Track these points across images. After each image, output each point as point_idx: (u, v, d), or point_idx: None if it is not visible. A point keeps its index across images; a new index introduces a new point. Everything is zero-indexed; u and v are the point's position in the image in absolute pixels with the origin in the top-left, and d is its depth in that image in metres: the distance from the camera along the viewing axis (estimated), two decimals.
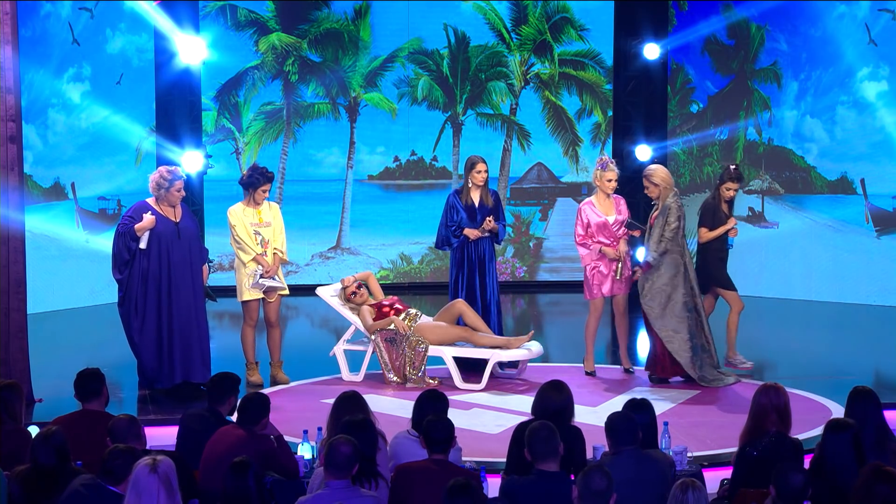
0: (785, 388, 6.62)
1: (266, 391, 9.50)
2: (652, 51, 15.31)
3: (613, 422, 6.20)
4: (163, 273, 9.74)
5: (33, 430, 6.64)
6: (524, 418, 6.93)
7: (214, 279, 13.68)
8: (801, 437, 7.32)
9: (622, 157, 15.21)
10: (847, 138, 14.66)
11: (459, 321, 10.39)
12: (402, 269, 15.91)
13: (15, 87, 9.26)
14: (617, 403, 8.64)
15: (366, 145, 15.84)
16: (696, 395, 9.90)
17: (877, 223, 14.49)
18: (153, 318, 9.75)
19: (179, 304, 9.79)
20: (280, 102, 15.59)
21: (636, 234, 10.32)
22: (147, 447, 6.42)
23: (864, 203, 14.52)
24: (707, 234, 10.52)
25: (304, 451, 7.14)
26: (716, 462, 7.85)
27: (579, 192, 16.19)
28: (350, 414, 6.30)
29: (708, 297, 10.61)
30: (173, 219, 9.84)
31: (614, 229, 10.39)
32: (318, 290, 10.83)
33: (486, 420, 9.09)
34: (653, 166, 10.44)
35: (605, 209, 10.45)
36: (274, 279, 10.22)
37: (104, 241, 13.91)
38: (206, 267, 10.13)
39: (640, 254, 10.37)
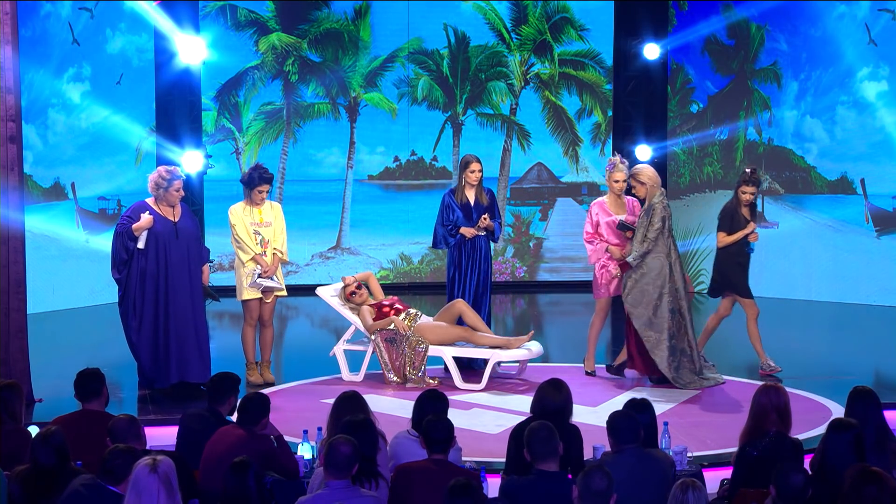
0: (785, 388, 6.63)
1: (266, 391, 9.50)
2: (652, 51, 15.31)
3: (615, 420, 6.21)
4: (160, 273, 9.74)
5: (33, 430, 6.64)
6: (524, 418, 6.92)
7: (214, 279, 13.67)
8: (801, 437, 7.32)
9: (622, 157, 15.19)
10: (847, 138, 14.66)
11: (459, 321, 10.39)
12: (402, 269, 15.91)
13: (15, 87, 9.26)
14: (617, 403, 8.63)
15: (366, 145, 15.84)
16: (696, 395, 9.90)
17: (877, 223, 14.49)
18: (150, 317, 9.74)
19: (177, 303, 9.78)
20: (280, 102, 15.59)
21: (629, 235, 10.32)
22: (147, 447, 6.42)
23: (864, 203, 14.52)
24: (725, 239, 10.47)
25: (304, 451, 7.14)
26: (716, 462, 7.85)
27: (579, 192, 16.20)
28: (350, 414, 6.30)
29: (724, 301, 10.59)
30: (172, 219, 9.84)
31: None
32: (318, 290, 10.83)
33: (486, 420, 9.09)
34: (640, 165, 10.47)
35: (616, 209, 10.46)
36: (272, 279, 10.22)
37: (104, 241, 13.90)
38: (206, 267, 10.13)
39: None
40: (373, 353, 10.33)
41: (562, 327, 14.41)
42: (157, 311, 9.75)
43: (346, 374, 10.42)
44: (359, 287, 10.56)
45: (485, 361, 10.25)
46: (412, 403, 6.80)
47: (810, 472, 5.78)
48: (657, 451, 6.39)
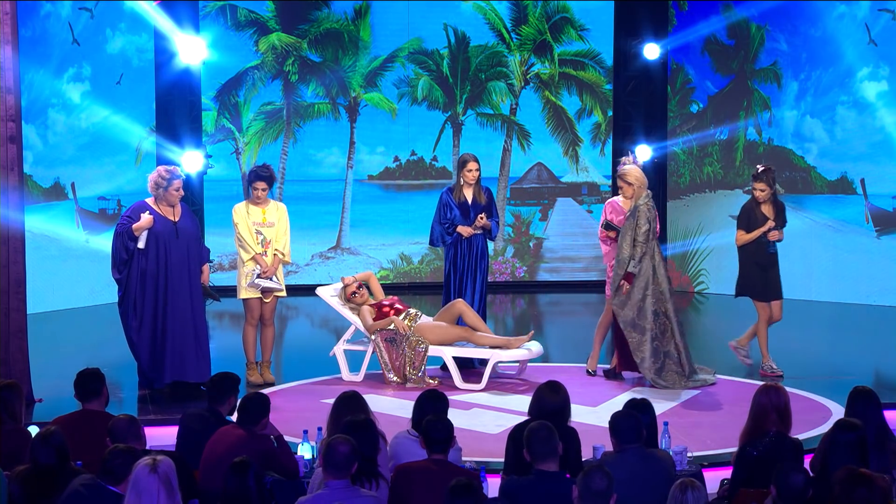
0: (785, 389, 6.63)
1: (266, 391, 9.50)
2: (652, 51, 15.31)
3: (617, 420, 6.21)
4: (160, 272, 9.74)
5: (33, 430, 6.64)
6: (524, 418, 6.92)
7: (214, 279, 13.67)
8: (801, 437, 7.32)
9: (622, 157, 15.18)
10: (847, 138, 14.66)
11: (459, 321, 10.39)
12: (402, 269, 15.91)
13: (15, 87, 9.26)
14: (617, 403, 8.64)
15: (366, 145, 15.84)
16: (696, 395, 9.90)
17: (877, 223, 14.49)
18: (150, 317, 9.74)
19: (177, 303, 9.78)
20: (280, 102, 15.59)
21: (612, 235, 10.33)
22: (147, 447, 6.42)
23: (864, 203, 14.52)
24: (742, 237, 10.43)
25: (304, 451, 7.14)
26: (716, 462, 7.85)
27: (579, 192, 16.20)
28: (350, 414, 6.30)
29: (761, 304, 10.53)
30: (172, 218, 9.84)
31: None
32: (318, 290, 10.83)
33: (486, 420, 9.09)
34: (627, 166, 10.46)
35: (628, 207, 10.49)
36: (272, 280, 10.22)
37: (104, 241, 13.90)
38: (206, 266, 10.12)
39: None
40: (373, 353, 10.33)
41: (562, 327, 14.41)
42: (157, 311, 9.75)
43: (346, 374, 10.42)
44: (359, 287, 10.56)
45: (483, 361, 10.26)
46: (412, 403, 6.80)
47: (811, 473, 5.78)
48: (659, 452, 6.39)
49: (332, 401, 6.73)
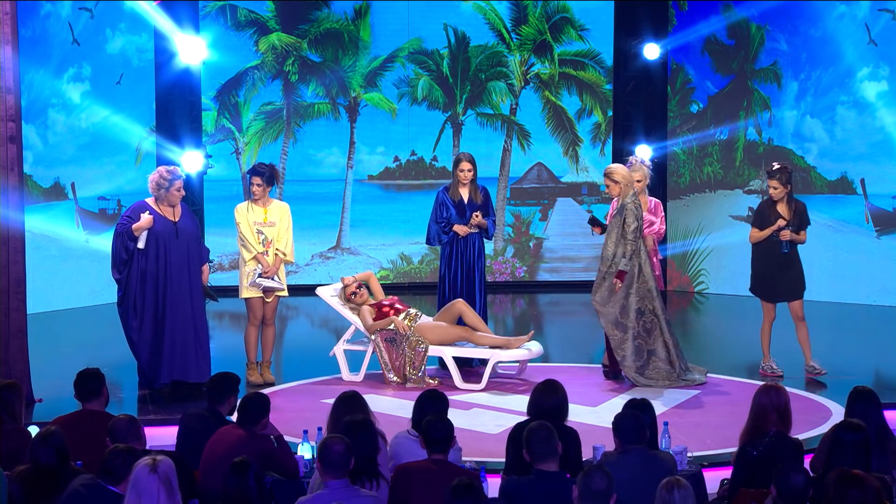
0: (785, 388, 6.62)
1: (266, 391, 9.50)
2: (652, 51, 15.31)
3: (621, 421, 6.20)
4: (160, 272, 9.74)
5: (33, 430, 6.64)
6: (524, 418, 6.92)
7: (213, 279, 13.68)
8: (801, 437, 7.32)
9: (622, 157, 15.19)
10: (847, 138, 14.66)
11: (459, 321, 10.39)
12: (402, 269, 15.91)
13: (15, 87, 9.26)
14: (617, 403, 8.64)
15: (366, 145, 15.84)
16: (696, 395, 9.90)
17: (877, 223, 14.49)
18: (150, 317, 9.75)
19: (176, 303, 9.78)
20: (280, 102, 15.59)
21: (597, 231, 10.37)
22: (147, 447, 6.42)
23: (864, 203, 14.52)
24: (754, 235, 10.39)
25: (304, 451, 7.13)
26: (716, 462, 7.85)
27: (579, 192, 16.20)
28: (350, 414, 6.30)
29: (791, 305, 10.42)
30: (172, 218, 9.83)
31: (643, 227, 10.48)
32: (318, 290, 10.83)
33: (486, 420, 9.09)
34: (613, 165, 10.51)
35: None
36: (273, 279, 10.22)
37: (104, 241, 13.89)
38: (206, 266, 10.13)
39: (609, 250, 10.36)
40: (373, 353, 10.33)
41: (562, 327, 14.41)
42: (157, 311, 9.75)
43: (346, 374, 10.42)
44: (359, 287, 10.56)
45: (483, 361, 10.26)
46: (412, 403, 6.80)
47: (811, 473, 5.77)
48: (661, 453, 6.38)
49: (332, 401, 6.73)
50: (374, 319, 10.34)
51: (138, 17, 14.22)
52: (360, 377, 10.33)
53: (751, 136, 15.39)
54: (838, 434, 6.02)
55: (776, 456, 6.27)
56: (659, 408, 7.97)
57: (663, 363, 10.12)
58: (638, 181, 10.56)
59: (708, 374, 10.48)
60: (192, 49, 14.03)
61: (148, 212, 9.73)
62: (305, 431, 7.32)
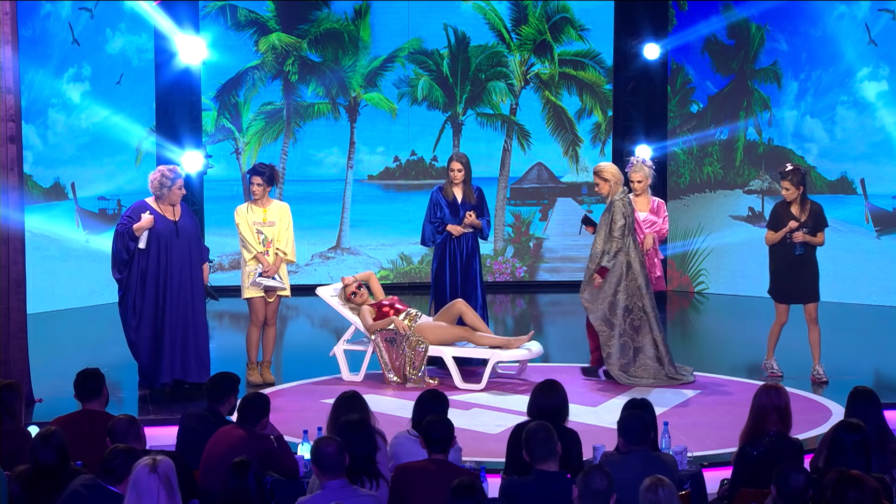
0: (785, 389, 6.62)
1: (266, 391, 9.50)
2: (652, 51, 15.31)
3: (626, 421, 6.19)
4: (161, 272, 9.74)
5: (33, 430, 6.64)
6: (524, 418, 6.92)
7: (213, 279, 13.68)
8: (801, 437, 7.32)
9: (622, 157, 15.20)
10: (847, 138, 14.65)
11: (459, 321, 10.39)
12: (402, 269, 15.91)
13: (15, 87, 9.26)
14: (617, 403, 8.64)
15: (366, 145, 15.84)
16: (697, 395, 9.90)
17: (877, 223, 14.49)
18: (150, 316, 9.75)
19: (178, 302, 9.79)
20: (280, 102, 15.59)
21: (590, 230, 10.39)
22: (147, 447, 6.42)
23: (864, 203, 14.52)
24: (768, 237, 10.31)
25: (304, 451, 7.13)
26: (716, 462, 7.85)
27: (579, 192, 16.20)
28: (350, 414, 6.30)
29: (806, 308, 10.36)
30: (172, 218, 9.84)
31: (645, 227, 10.46)
32: (318, 290, 10.83)
33: (486, 420, 9.08)
34: (603, 163, 10.57)
35: (640, 206, 10.54)
36: (274, 279, 10.22)
37: (104, 241, 13.89)
38: (206, 265, 10.13)
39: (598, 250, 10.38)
40: (373, 353, 10.33)
41: (562, 327, 14.40)
42: (157, 311, 9.76)
43: (346, 374, 10.42)
44: (359, 287, 10.56)
45: (480, 361, 10.27)
46: (412, 403, 6.80)
47: (811, 473, 5.77)
48: (663, 455, 6.36)
49: (332, 401, 6.73)
50: (374, 319, 10.34)
51: (138, 17, 14.22)
52: (360, 377, 10.33)
53: (751, 136, 15.39)
54: (838, 434, 6.02)
55: (776, 456, 6.27)
56: (659, 408, 7.97)
57: (651, 361, 10.15)
58: (638, 182, 10.58)
59: (708, 375, 10.48)
60: (192, 49, 14.03)
61: (148, 211, 9.73)
62: (305, 431, 7.33)
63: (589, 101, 16.05)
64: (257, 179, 10.24)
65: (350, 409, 6.44)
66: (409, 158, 15.90)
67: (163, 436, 8.34)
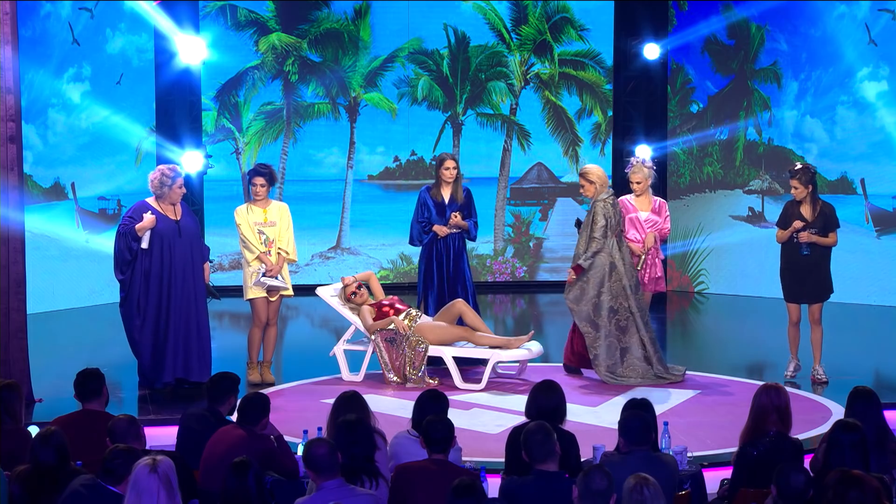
0: (785, 388, 6.62)
1: (266, 391, 9.50)
2: (652, 51, 15.31)
3: (627, 421, 6.19)
4: (164, 271, 9.75)
5: (33, 430, 6.64)
6: (524, 419, 6.92)
7: (214, 279, 13.67)
8: (801, 437, 7.32)
9: (622, 157, 15.21)
10: (847, 138, 14.65)
11: (459, 321, 10.39)
12: (402, 269, 15.91)
13: (15, 87, 9.26)
14: (617, 403, 8.64)
15: (366, 145, 15.84)
16: (697, 395, 9.90)
17: (877, 223, 14.49)
18: (153, 316, 9.75)
19: (181, 301, 9.80)
20: (280, 102, 15.58)
21: None
22: (147, 447, 6.42)
23: (864, 203, 14.52)
24: (778, 235, 10.22)
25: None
26: (716, 462, 7.85)
27: (579, 192, 16.17)
28: (350, 414, 6.30)
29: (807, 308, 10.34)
30: (174, 217, 9.85)
31: (646, 227, 10.47)
32: (318, 290, 10.83)
33: (486, 420, 9.08)
34: (588, 165, 10.61)
35: (641, 205, 10.56)
36: (277, 279, 10.23)
37: (104, 241, 13.91)
38: (207, 265, 10.14)
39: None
40: (373, 353, 10.33)
41: (562, 327, 14.35)
42: (161, 310, 9.76)
43: (346, 374, 10.42)
44: (359, 287, 10.56)
45: (479, 360, 10.27)
46: (412, 403, 6.80)
47: (811, 473, 5.77)
48: (664, 455, 6.35)
49: (332, 401, 6.73)
50: (374, 319, 10.34)
51: (138, 17, 14.22)
52: (360, 377, 10.33)
53: (751, 136, 15.39)
54: (835, 434, 6.01)
55: (776, 456, 6.27)
56: (659, 408, 7.97)
57: (639, 361, 10.18)
58: (637, 183, 10.59)
59: (708, 375, 10.48)
60: (192, 49, 14.03)
61: (150, 211, 9.73)
62: (305, 431, 7.33)
63: (589, 101, 16.05)
64: (260, 180, 10.25)
65: (350, 409, 6.44)
66: (409, 158, 15.90)
67: (163, 436, 8.34)
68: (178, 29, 14.01)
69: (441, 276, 10.84)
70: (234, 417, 6.82)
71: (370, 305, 10.46)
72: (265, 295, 10.24)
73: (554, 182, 16.16)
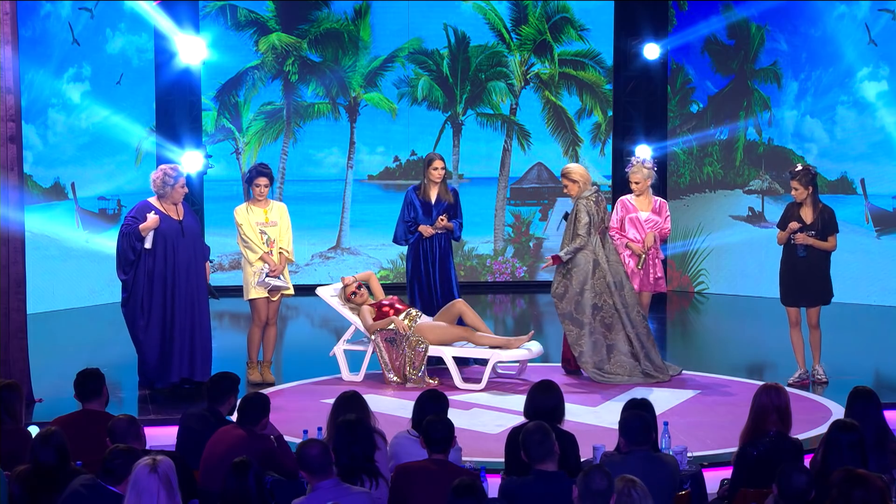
0: (785, 388, 6.62)
1: (266, 391, 9.50)
2: (652, 51, 15.31)
3: (628, 421, 6.18)
4: (168, 271, 9.75)
5: (33, 430, 6.64)
6: (524, 418, 6.92)
7: (214, 279, 13.67)
8: (801, 437, 7.32)
9: (622, 157, 15.21)
10: (847, 138, 14.65)
11: (459, 321, 10.39)
12: (402, 269, 15.87)
13: (15, 87, 9.26)
14: (617, 403, 8.64)
15: (366, 145, 15.84)
16: (697, 395, 9.90)
17: (877, 223, 14.48)
18: (158, 316, 9.75)
19: (185, 301, 9.80)
20: (280, 102, 15.59)
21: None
22: (147, 447, 6.42)
23: (864, 203, 14.51)
24: (778, 237, 10.24)
25: None
26: (716, 462, 7.84)
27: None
28: (349, 414, 6.30)
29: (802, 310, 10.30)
30: (176, 217, 9.85)
31: (646, 227, 10.47)
32: (318, 290, 10.83)
33: (486, 420, 9.08)
34: (571, 164, 10.68)
35: (641, 205, 10.56)
36: (279, 278, 10.24)
37: (104, 241, 13.92)
38: (207, 264, 10.14)
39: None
40: (373, 353, 10.33)
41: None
42: (165, 310, 9.76)
43: (346, 374, 10.42)
44: (359, 287, 10.56)
45: (476, 360, 10.27)
46: (412, 403, 6.80)
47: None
48: (664, 456, 6.35)
49: (332, 401, 6.73)
50: (374, 319, 10.34)
51: (138, 17, 14.22)
52: (360, 377, 10.33)
53: (751, 136, 15.39)
54: (833, 434, 6.01)
55: (776, 456, 6.27)
56: (659, 408, 7.97)
57: (626, 357, 10.19)
58: (636, 183, 10.58)
59: (708, 375, 10.48)
60: (192, 49, 14.03)
61: (154, 211, 9.73)
62: (305, 431, 7.32)
63: (589, 101, 16.05)
64: (264, 181, 10.27)
65: (350, 409, 6.44)
66: (409, 158, 15.90)
67: (163, 436, 8.34)
68: (178, 29, 14.01)
69: (428, 276, 10.86)
70: (234, 417, 6.82)
71: (370, 305, 10.46)
72: (266, 295, 10.25)
73: (554, 182, 16.15)
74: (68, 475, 5.83)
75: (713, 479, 7.05)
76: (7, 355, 9.23)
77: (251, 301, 10.28)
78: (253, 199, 10.32)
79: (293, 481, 6.60)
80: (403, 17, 15.69)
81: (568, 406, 6.91)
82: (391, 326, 10.23)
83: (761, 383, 6.80)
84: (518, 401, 9.42)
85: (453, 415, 6.66)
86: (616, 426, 6.29)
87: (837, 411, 8.91)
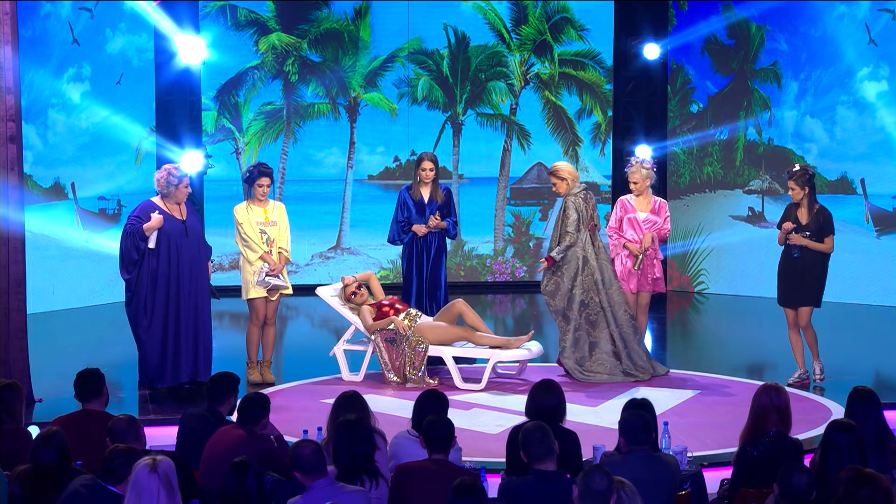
0: (785, 388, 6.62)
1: (266, 391, 9.50)
2: (652, 51, 15.31)
3: (628, 421, 6.19)
4: (172, 271, 9.75)
5: (33, 430, 6.64)
6: (524, 418, 6.92)
7: (214, 279, 13.67)
8: (801, 437, 7.32)
9: (622, 157, 15.21)
10: (847, 138, 14.65)
11: (459, 321, 10.39)
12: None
13: (15, 87, 9.26)
14: (617, 403, 8.64)
15: (366, 145, 15.84)
16: (696, 395, 9.90)
17: (877, 223, 14.49)
18: (161, 316, 9.76)
19: (188, 301, 9.81)
20: (280, 102, 15.59)
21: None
22: (147, 447, 6.42)
23: (864, 203, 14.52)
24: (778, 237, 10.30)
25: None
26: (716, 462, 7.85)
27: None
28: (349, 414, 6.30)
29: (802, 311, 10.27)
30: (180, 217, 9.85)
31: (645, 227, 10.47)
32: (318, 290, 10.83)
33: (486, 420, 9.09)
34: (558, 162, 10.78)
35: (640, 205, 10.56)
36: (279, 278, 10.24)
37: (104, 241, 13.92)
38: (209, 264, 10.14)
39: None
40: (373, 353, 10.33)
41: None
42: (169, 310, 9.76)
43: (346, 374, 10.42)
44: (359, 287, 10.56)
45: (473, 360, 10.28)
46: (412, 403, 6.80)
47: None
48: (665, 455, 6.35)
49: (332, 401, 6.73)
50: (374, 319, 10.34)
51: (138, 17, 14.22)
52: (360, 377, 10.34)
53: (751, 136, 15.39)
54: (831, 435, 6.01)
55: (776, 456, 6.27)
56: (659, 408, 7.97)
57: (608, 356, 10.22)
58: (634, 183, 10.57)
59: (708, 375, 10.48)
60: (192, 49, 14.02)
61: (157, 211, 9.74)
62: (305, 431, 7.32)
63: (589, 101, 16.05)
64: (267, 181, 10.28)
65: (350, 409, 6.44)
66: (409, 158, 15.89)
67: (163, 436, 8.34)
68: (178, 29, 14.01)
69: (421, 275, 10.88)
70: (234, 417, 6.82)
71: (370, 305, 10.46)
72: (265, 294, 10.25)
73: None
74: (68, 475, 5.83)
75: (713, 479, 7.05)
76: (7, 355, 9.23)
77: (250, 300, 10.29)
78: (254, 199, 10.32)
79: (293, 481, 6.60)
80: (403, 17, 15.70)
81: (568, 406, 6.91)
82: (391, 326, 10.23)
83: (761, 383, 6.80)
84: (518, 401, 9.43)
85: (453, 415, 6.66)
86: (616, 426, 6.29)
87: (837, 411, 8.91)
